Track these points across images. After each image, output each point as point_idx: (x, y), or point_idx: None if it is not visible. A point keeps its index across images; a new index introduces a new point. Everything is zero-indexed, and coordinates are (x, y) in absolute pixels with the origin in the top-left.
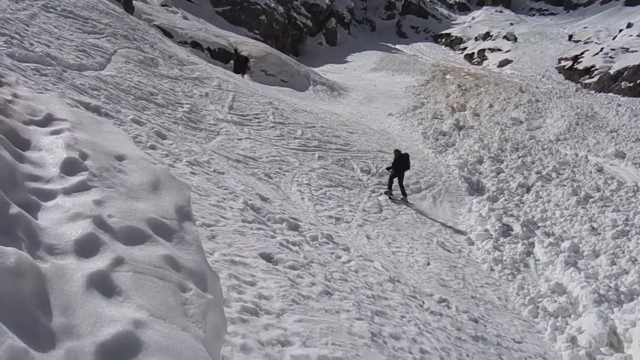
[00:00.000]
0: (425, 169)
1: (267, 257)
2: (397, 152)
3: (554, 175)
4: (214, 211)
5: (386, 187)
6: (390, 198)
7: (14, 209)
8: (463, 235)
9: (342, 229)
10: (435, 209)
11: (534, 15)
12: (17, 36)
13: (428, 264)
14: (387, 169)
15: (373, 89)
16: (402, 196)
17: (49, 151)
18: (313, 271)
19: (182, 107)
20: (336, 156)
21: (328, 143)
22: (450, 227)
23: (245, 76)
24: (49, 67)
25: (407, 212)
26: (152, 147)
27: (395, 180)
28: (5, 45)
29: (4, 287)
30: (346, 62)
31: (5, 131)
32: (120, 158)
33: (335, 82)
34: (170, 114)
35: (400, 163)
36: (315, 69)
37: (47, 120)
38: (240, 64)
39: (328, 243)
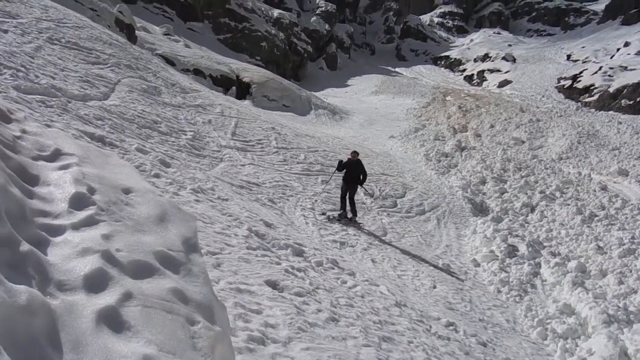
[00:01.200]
0: (428, 191)
1: (273, 285)
2: (355, 154)
3: (557, 194)
4: (219, 239)
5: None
6: (338, 219)
7: (25, 246)
8: (469, 257)
9: (346, 253)
10: (440, 230)
11: (531, 36)
12: (22, 69)
13: (434, 287)
14: (337, 169)
15: (374, 112)
16: (350, 215)
17: (58, 186)
18: (319, 297)
19: (186, 135)
20: (339, 180)
21: (331, 167)
22: (455, 249)
23: (247, 102)
24: (54, 99)
25: (412, 235)
26: (157, 176)
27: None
28: (12, 78)
29: (16, 325)
30: (347, 85)
31: (15, 167)
32: (127, 191)
33: (336, 105)
34: (173, 141)
35: (354, 172)
36: (317, 94)
37: (55, 155)
38: (242, 90)
39: (333, 268)
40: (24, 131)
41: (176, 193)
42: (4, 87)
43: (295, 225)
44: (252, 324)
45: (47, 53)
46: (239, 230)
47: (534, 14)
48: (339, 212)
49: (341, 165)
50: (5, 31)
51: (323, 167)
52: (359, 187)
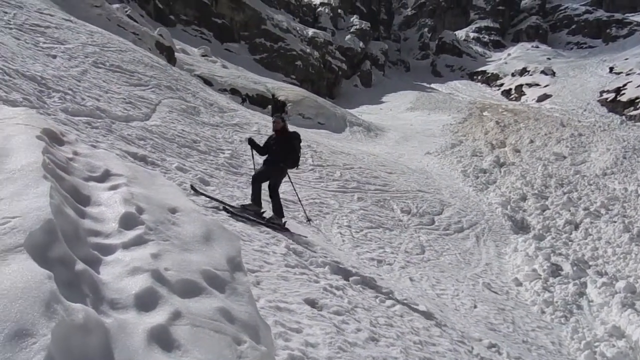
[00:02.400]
0: (467, 208)
1: (312, 303)
2: (279, 120)
3: (602, 211)
4: (258, 256)
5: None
6: (246, 216)
7: (80, 265)
8: (510, 276)
9: (384, 271)
10: (479, 248)
11: (571, 49)
12: (70, 92)
13: (475, 306)
14: (254, 146)
15: (409, 128)
16: (273, 215)
17: (108, 206)
18: (358, 316)
19: (224, 153)
20: (375, 197)
21: (367, 184)
22: (496, 267)
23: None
24: (99, 120)
25: (451, 253)
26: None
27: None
28: (60, 101)
29: (73, 343)
30: (382, 102)
31: (68, 188)
32: (173, 211)
33: (371, 122)
34: (212, 160)
35: (278, 150)
36: (351, 111)
37: (105, 176)
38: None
39: (371, 287)
40: (75, 153)
41: (215, 211)
42: (53, 110)
43: (332, 242)
44: (293, 342)
45: (92, 76)
46: (277, 248)
47: (573, 26)
48: (252, 207)
49: (272, 148)
50: (54, 56)
51: (359, 184)
52: (283, 171)
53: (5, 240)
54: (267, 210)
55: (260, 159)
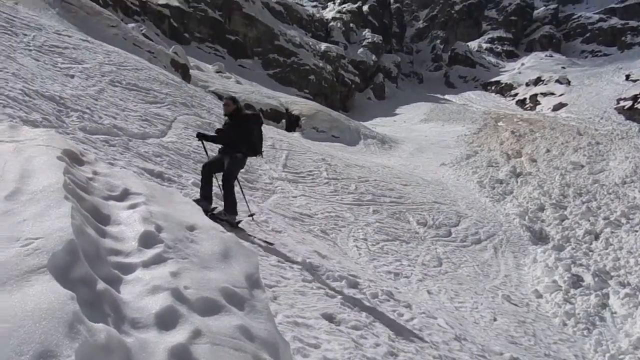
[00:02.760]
0: (484, 219)
1: (329, 318)
2: (230, 102)
3: (623, 220)
4: (275, 271)
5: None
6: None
7: (101, 285)
8: (530, 288)
9: (401, 284)
10: (497, 260)
11: (586, 57)
12: (87, 110)
13: (495, 319)
14: (205, 138)
15: (424, 140)
16: (222, 211)
17: (127, 225)
18: (376, 331)
19: None
20: (391, 209)
21: (382, 196)
22: (515, 279)
23: (297, 134)
24: (116, 138)
25: (468, 264)
26: (213, 209)
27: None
28: (78, 120)
29: None
30: (395, 114)
31: (89, 208)
32: (191, 228)
33: (385, 135)
34: None
35: (237, 135)
36: (365, 123)
37: (124, 195)
38: (292, 123)
39: (389, 300)
40: (95, 172)
41: (232, 228)
42: (71, 129)
43: (348, 256)
44: (311, 358)
45: (109, 95)
46: (293, 263)
47: (587, 34)
48: (200, 203)
49: (228, 131)
50: (72, 76)
51: (374, 196)
52: (238, 161)
53: (28, 262)
54: (219, 208)
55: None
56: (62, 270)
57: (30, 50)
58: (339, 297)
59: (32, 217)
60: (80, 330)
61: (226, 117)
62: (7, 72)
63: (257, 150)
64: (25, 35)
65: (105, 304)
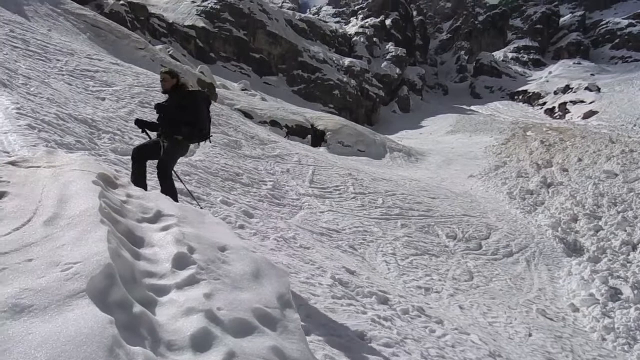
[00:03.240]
0: (515, 231)
1: (361, 335)
2: (169, 77)
3: None
4: (304, 289)
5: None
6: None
7: (137, 308)
8: (566, 302)
9: (432, 299)
10: (531, 273)
11: (616, 64)
12: (118, 132)
13: (530, 335)
14: (146, 125)
15: (451, 152)
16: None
17: (161, 247)
18: (408, 348)
19: (266, 185)
20: (419, 223)
21: (410, 210)
22: (550, 292)
23: (323, 149)
24: None
25: (501, 278)
26: (241, 227)
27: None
28: (110, 142)
29: None
30: (421, 127)
31: (123, 231)
32: (223, 249)
33: (411, 147)
34: (255, 192)
35: (178, 116)
36: (391, 137)
37: (157, 217)
38: (318, 138)
39: (420, 316)
40: (129, 195)
41: (261, 244)
42: (104, 151)
43: (377, 271)
44: None
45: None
46: (322, 279)
47: (617, 41)
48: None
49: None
50: (103, 99)
51: (402, 210)
52: (177, 147)
53: (68, 287)
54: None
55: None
56: (100, 294)
57: (63, 75)
58: (370, 313)
59: (70, 241)
60: (120, 355)
61: (166, 96)
62: (42, 97)
63: (205, 134)
64: (59, 60)
65: (142, 327)
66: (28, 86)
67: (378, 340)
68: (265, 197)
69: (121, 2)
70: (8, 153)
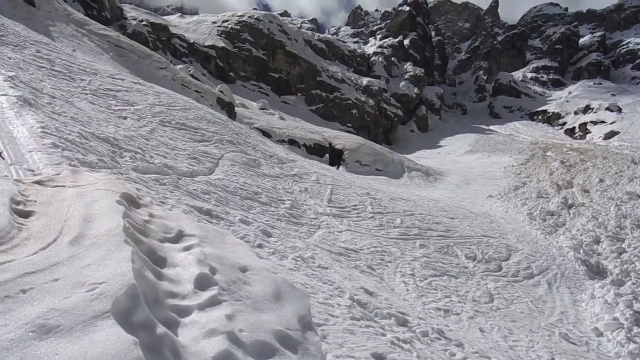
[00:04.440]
0: (535, 252)
1: (380, 358)
2: None
3: None
4: (322, 309)
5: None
6: None
7: (160, 329)
8: (589, 325)
9: (452, 321)
10: (552, 295)
11: (637, 84)
12: (139, 150)
13: (553, 359)
14: None
15: (470, 172)
16: None
17: (183, 267)
18: None
19: (284, 204)
20: (438, 244)
21: (429, 230)
22: (572, 316)
23: (341, 168)
24: (166, 177)
25: (521, 300)
26: (260, 246)
27: None
28: (131, 160)
29: None
30: (439, 146)
31: (146, 251)
32: (244, 269)
33: (430, 167)
34: (273, 211)
35: None
36: (409, 156)
37: (179, 237)
38: (335, 157)
39: (440, 339)
40: (151, 215)
41: (279, 264)
42: (125, 169)
43: (396, 292)
44: None
45: (159, 135)
46: (341, 300)
47: (637, 60)
48: None
49: None
50: (125, 118)
51: (421, 230)
52: None
53: (94, 307)
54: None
55: None
56: (124, 315)
57: (86, 94)
58: (389, 335)
59: (95, 261)
60: None
61: None
62: (66, 116)
63: None
64: (82, 80)
65: (165, 348)
66: (52, 105)
67: None
68: (283, 216)
69: (143, 23)
70: (32, 171)
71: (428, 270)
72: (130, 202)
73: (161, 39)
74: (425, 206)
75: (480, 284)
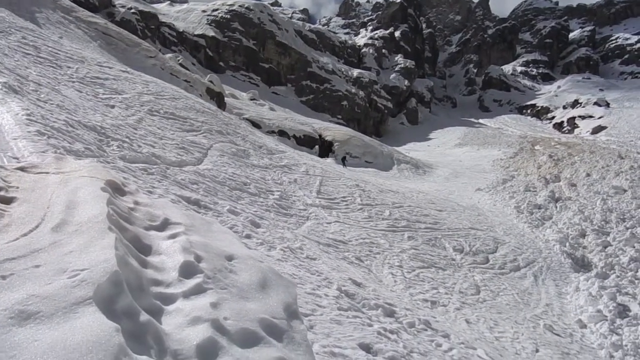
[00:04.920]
0: (522, 245)
1: (366, 348)
2: None
3: None
4: (310, 299)
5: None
6: None
7: (144, 317)
8: (573, 318)
9: (439, 313)
10: (538, 288)
11: (625, 79)
12: (127, 139)
13: (537, 350)
14: None
15: (459, 165)
16: None
17: (168, 255)
18: None
19: (273, 195)
20: (426, 236)
21: (417, 222)
22: (557, 308)
23: (330, 160)
24: (154, 166)
25: (508, 293)
26: (248, 237)
27: None
28: (118, 149)
29: None
30: (429, 139)
31: (131, 238)
32: (230, 258)
33: (419, 159)
34: (262, 202)
35: None
36: (398, 148)
37: (164, 225)
38: (325, 149)
39: (426, 330)
40: (136, 202)
41: (267, 254)
42: (112, 158)
43: (383, 283)
44: None
45: (147, 124)
46: (329, 291)
47: (626, 56)
48: None
49: None
50: (113, 106)
51: (409, 222)
52: None
53: (75, 293)
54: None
55: None
56: (107, 302)
57: (73, 82)
58: (376, 326)
59: (77, 248)
60: None
61: None
62: (52, 104)
63: None
64: (69, 67)
65: (148, 335)
66: (38, 92)
67: (384, 353)
68: (272, 207)
69: (132, 11)
70: (17, 159)
71: (416, 262)
72: (115, 189)
73: (150, 27)
74: (414, 198)
75: (467, 276)
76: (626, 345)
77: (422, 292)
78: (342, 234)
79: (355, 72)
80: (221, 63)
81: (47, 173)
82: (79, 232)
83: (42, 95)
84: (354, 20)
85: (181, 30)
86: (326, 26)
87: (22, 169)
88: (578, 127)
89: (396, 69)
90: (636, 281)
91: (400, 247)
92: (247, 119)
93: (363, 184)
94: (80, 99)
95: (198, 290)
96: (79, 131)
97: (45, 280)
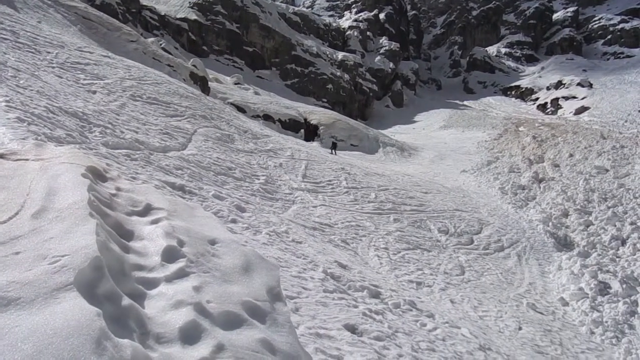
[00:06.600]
0: (506, 226)
1: (352, 329)
2: None
3: None
4: (296, 282)
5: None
6: None
7: (126, 301)
8: (555, 296)
9: (424, 293)
10: (521, 267)
11: (608, 59)
12: (110, 125)
13: (520, 328)
14: None
15: (444, 147)
16: None
17: (150, 240)
18: (399, 341)
19: (259, 179)
20: (412, 218)
21: (402, 205)
22: (540, 287)
23: (316, 143)
24: (138, 152)
25: (492, 272)
26: (233, 221)
27: None
28: (101, 135)
29: None
30: (414, 122)
31: (112, 224)
32: (212, 242)
33: (404, 142)
34: (247, 186)
35: None
36: (384, 131)
37: (147, 210)
38: (311, 132)
39: (411, 310)
40: (118, 188)
41: (253, 238)
42: (94, 144)
43: (369, 265)
44: None
45: (130, 109)
46: (314, 273)
47: (609, 36)
48: None
49: None
50: (94, 92)
51: (395, 205)
52: None
53: (56, 279)
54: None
55: None
56: (88, 287)
57: (53, 67)
58: (361, 307)
59: (58, 234)
60: (107, 347)
61: None
62: (32, 90)
63: None
64: (49, 52)
65: (131, 319)
66: (17, 78)
67: (369, 334)
68: (258, 191)
69: None
70: None
71: (401, 244)
72: (97, 175)
73: (131, 10)
74: (399, 181)
75: (452, 256)
76: (606, 322)
77: (408, 273)
78: (328, 217)
79: (340, 55)
80: (204, 47)
81: (26, 160)
82: (59, 219)
83: (22, 82)
84: (338, 2)
85: (163, 13)
86: (310, 8)
87: (0, 156)
88: (562, 108)
89: (381, 51)
90: (617, 259)
91: (386, 229)
92: (231, 104)
93: (349, 167)
94: (61, 84)
95: (181, 274)
96: (60, 117)
97: (26, 266)
